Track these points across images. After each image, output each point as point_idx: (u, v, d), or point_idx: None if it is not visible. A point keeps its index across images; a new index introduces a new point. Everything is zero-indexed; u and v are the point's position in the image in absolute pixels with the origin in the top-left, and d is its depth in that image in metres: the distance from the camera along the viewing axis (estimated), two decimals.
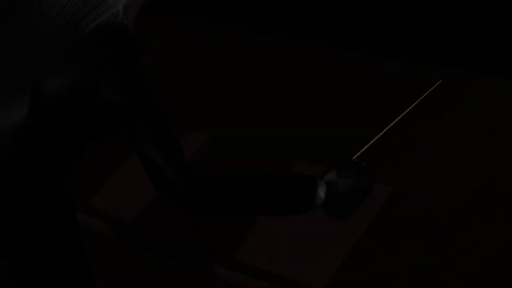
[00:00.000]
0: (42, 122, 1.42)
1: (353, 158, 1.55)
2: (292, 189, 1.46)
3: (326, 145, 2.38)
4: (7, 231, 1.50)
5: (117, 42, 1.39)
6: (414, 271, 2.92)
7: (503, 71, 3.51)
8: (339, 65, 3.23)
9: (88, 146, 1.54)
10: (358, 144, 1.71)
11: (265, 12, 4.22)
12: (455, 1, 3.80)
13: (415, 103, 1.52)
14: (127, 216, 2.07)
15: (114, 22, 1.41)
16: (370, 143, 1.57)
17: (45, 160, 1.47)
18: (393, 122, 1.55)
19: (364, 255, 2.96)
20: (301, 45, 3.42)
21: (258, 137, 2.86)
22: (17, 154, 1.45)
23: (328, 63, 3.17)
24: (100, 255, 3.03)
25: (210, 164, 2.13)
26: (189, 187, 1.38)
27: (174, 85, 3.26)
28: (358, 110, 2.79)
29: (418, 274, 2.91)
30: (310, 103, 3.09)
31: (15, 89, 1.43)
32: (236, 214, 1.45)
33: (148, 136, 1.38)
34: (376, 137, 1.55)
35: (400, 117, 1.55)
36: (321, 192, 1.48)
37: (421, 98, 1.52)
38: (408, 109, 1.52)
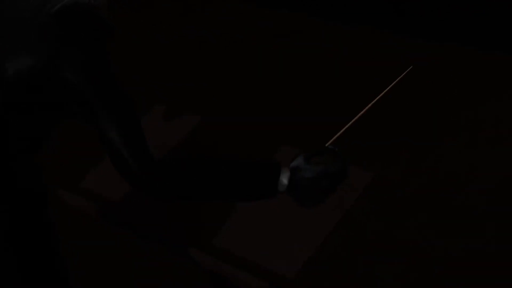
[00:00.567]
0: (5, 107, 1.43)
1: (327, 145, 1.54)
2: (254, 174, 1.45)
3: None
4: None
5: (80, 23, 1.38)
6: (390, 259, 2.91)
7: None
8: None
9: (56, 128, 1.54)
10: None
11: None
12: None
13: (385, 90, 1.49)
14: (115, 197, 2.07)
15: (80, 2, 1.40)
16: (342, 130, 1.55)
17: (11, 144, 1.48)
18: (364, 109, 1.52)
19: (339, 244, 2.95)
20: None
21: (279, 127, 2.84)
22: None
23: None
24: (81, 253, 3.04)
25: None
26: (149, 173, 1.39)
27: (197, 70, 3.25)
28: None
29: (393, 263, 2.89)
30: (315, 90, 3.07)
31: None
32: (197, 199, 1.45)
33: (109, 121, 1.38)
34: (348, 124, 1.53)
35: (370, 104, 1.52)
36: (284, 179, 1.47)
37: (392, 84, 1.49)
38: (379, 96, 1.49)
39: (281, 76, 3.88)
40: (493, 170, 3.29)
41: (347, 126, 1.51)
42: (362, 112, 1.52)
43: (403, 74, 1.48)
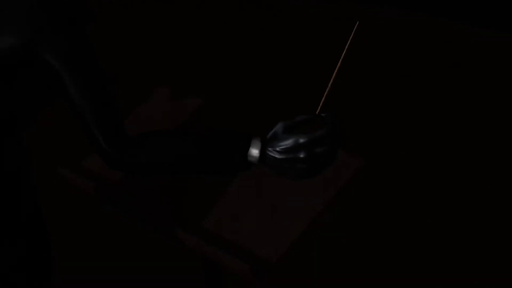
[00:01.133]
0: None
1: (316, 112, 1.44)
2: (222, 145, 1.41)
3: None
4: None
5: (62, 6, 1.40)
6: (374, 246, 2.91)
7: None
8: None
9: (39, 110, 1.57)
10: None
11: None
12: None
13: (345, 48, 1.42)
14: (113, 178, 2.10)
15: None
16: (324, 96, 1.45)
17: None
18: (335, 72, 1.43)
19: (323, 228, 2.94)
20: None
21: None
22: None
23: None
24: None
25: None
26: (115, 147, 1.41)
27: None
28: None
29: (377, 249, 2.89)
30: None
31: None
32: (168, 173, 1.44)
33: (86, 101, 1.40)
34: (327, 89, 1.43)
35: (338, 65, 1.44)
36: (255, 149, 1.41)
37: (348, 43, 1.42)
38: (342, 56, 1.42)
39: (285, 59, 3.87)
40: (491, 159, 3.25)
41: (326, 92, 1.42)
42: (333, 77, 1.43)
43: (353, 32, 1.41)
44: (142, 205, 1.93)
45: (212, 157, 1.41)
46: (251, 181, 1.85)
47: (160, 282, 2.78)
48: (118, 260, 2.87)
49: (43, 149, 3.42)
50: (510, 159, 3.26)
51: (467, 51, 3.80)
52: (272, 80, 3.75)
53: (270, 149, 1.40)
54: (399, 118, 3.55)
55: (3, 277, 1.61)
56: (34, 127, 1.61)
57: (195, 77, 3.87)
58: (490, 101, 3.57)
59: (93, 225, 3.03)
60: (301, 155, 1.38)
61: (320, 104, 1.42)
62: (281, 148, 1.38)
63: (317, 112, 1.43)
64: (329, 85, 1.42)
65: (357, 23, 1.41)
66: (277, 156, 1.39)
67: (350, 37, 1.42)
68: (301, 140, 1.37)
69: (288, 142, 1.38)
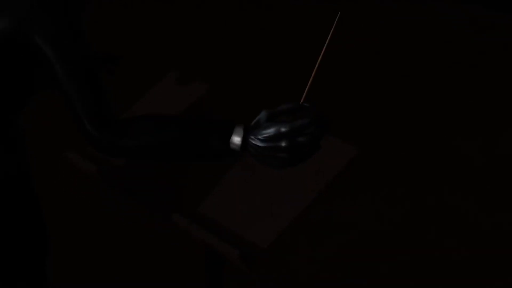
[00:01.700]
0: None
1: (301, 102, 1.44)
2: (205, 132, 1.41)
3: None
4: None
5: None
6: (367, 235, 2.91)
7: None
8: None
9: (31, 96, 1.59)
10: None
11: None
12: None
13: (327, 39, 1.41)
14: (117, 162, 2.14)
15: None
16: (308, 85, 1.45)
17: None
18: (317, 62, 1.43)
19: (315, 216, 2.94)
20: None
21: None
22: None
23: None
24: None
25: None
26: (100, 130, 1.42)
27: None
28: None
29: (369, 239, 2.89)
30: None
31: None
32: (152, 157, 1.45)
33: (74, 85, 1.42)
34: (311, 78, 1.42)
35: (321, 54, 1.43)
36: (237, 137, 1.41)
37: (330, 34, 1.41)
38: (325, 45, 1.41)
39: (285, 59, 3.87)
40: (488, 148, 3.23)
41: (310, 80, 1.41)
42: (316, 66, 1.43)
43: (335, 22, 1.40)
44: (141, 189, 1.96)
45: (194, 143, 1.41)
46: (247, 168, 1.87)
47: (159, 282, 2.80)
48: (117, 260, 2.89)
49: (49, 135, 3.46)
50: (509, 159, 3.25)
51: (467, 51, 3.77)
52: (272, 80, 3.76)
53: (252, 137, 1.40)
54: (396, 112, 3.54)
55: None
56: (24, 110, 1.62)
57: (194, 75, 3.89)
58: (489, 101, 3.55)
59: (93, 223, 3.05)
60: (283, 144, 1.37)
61: (304, 94, 1.42)
62: (263, 137, 1.38)
63: (301, 102, 1.42)
64: (312, 75, 1.42)
65: (339, 14, 1.41)
66: (259, 144, 1.39)
67: (332, 29, 1.42)
68: (283, 129, 1.37)
69: (270, 131, 1.38)
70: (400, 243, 2.85)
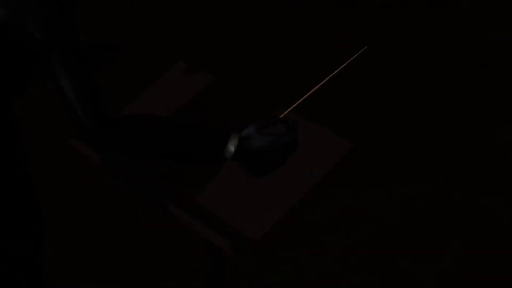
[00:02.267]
0: None
1: (281, 116, 1.52)
2: (201, 139, 1.45)
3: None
4: None
5: None
6: (360, 229, 2.92)
7: None
8: None
9: (30, 82, 1.60)
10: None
11: None
12: None
13: (342, 66, 1.48)
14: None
15: None
16: (296, 103, 1.53)
17: None
18: (320, 84, 1.51)
19: (310, 210, 2.95)
20: None
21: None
22: None
23: None
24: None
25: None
26: (95, 126, 1.43)
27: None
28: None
29: (362, 233, 2.90)
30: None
31: None
32: (143, 156, 1.47)
33: (65, 74, 1.43)
34: (302, 98, 1.50)
35: (326, 79, 1.51)
36: (231, 146, 1.46)
37: (349, 61, 1.48)
38: (335, 71, 1.48)
39: (285, 59, 3.88)
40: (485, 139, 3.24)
41: (301, 100, 1.49)
42: (316, 87, 1.50)
43: (358, 52, 1.46)
44: (141, 180, 1.98)
45: (190, 149, 1.46)
46: None
47: (159, 282, 2.80)
48: (117, 260, 2.89)
49: (49, 134, 3.47)
50: (507, 159, 3.25)
51: (467, 51, 3.78)
52: (272, 80, 3.77)
53: (245, 148, 1.46)
54: (396, 111, 3.55)
55: None
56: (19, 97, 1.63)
57: (200, 67, 3.89)
58: (490, 101, 3.56)
59: (93, 223, 3.05)
60: (273, 157, 1.46)
61: (290, 109, 1.48)
62: (256, 148, 1.45)
63: (282, 116, 1.49)
64: (305, 96, 1.47)
65: (365, 47, 1.47)
66: (252, 154, 1.46)
67: (351, 59, 1.47)
68: (274, 143, 1.45)
69: (265, 143, 1.45)
70: (410, 241, 2.86)
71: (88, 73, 1.44)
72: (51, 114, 3.54)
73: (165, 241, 2.91)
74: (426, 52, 3.84)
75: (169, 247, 2.90)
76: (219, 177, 1.87)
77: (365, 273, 2.76)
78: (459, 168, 3.21)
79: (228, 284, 2.74)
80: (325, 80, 1.50)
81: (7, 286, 1.68)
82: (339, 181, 3.11)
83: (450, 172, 3.19)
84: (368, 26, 3.98)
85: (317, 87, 1.49)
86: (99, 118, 1.43)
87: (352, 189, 3.11)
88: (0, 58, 1.48)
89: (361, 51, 1.50)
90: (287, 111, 1.52)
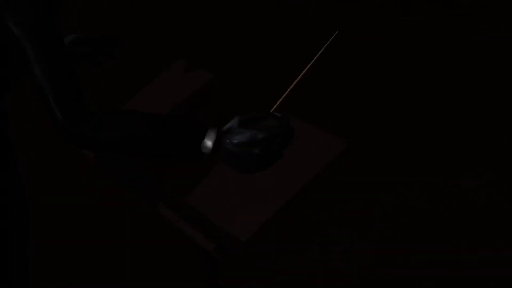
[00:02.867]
0: None
1: (271, 110, 1.49)
2: (178, 133, 1.41)
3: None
4: None
5: None
6: (353, 229, 2.89)
7: None
8: None
9: (13, 81, 1.59)
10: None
11: None
12: None
13: (317, 55, 1.44)
14: None
15: None
16: (283, 96, 1.49)
17: None
18: (301, 74, 1.47)
19: (298, 209, 2.92)
20: None
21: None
22: None
23: None
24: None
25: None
26: (71, 120, 1.40)
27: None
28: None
29: (356, 234, 2.87)
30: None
31: None
32: (123, 151, 1.44)
33: (40, 68, 1.40)
34: (289, 89, 1.47)
35: (306, 68, 1.47)
36: (209, 141, 1.42)
37: (322, 49, 1.44)
38: (312, 60, 1.44)
39: (285, 59, 3.86)
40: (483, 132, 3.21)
41: (286, 92, 1.45)
42: (298, 78, 1.46)
43: (330, 39, 1.43)
44: (134, 177, 1.95)
45: (166, 142, 1.42)
46: None
47: (158, 282, 2.80)
48: (116, 260, 2.89)
49: (48, 134, 3.46)
50: (507, 159, 3.23)
51: (467, 51, 3.76)
52: (271, 78, 3.75)
53: (227, 141, 1.42)
54: (396, 111, 3.53)
55: None
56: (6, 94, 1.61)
57: (199, 65, 3.88)
58: (489, 101, 3.54)
59: (92, 223, 3.05)
60: (256, 151, 1.41)
61: (277, 103, 1.45)
62: (238, 142, 1.41)
63: (271, 111, 1.46)
64: (290, 88, 1.45)
65: (336, 32, 1.43)
66: (232, 149, 1.41)
67: (325, 46, 1.44)
68: (260, 136, 1.40)
69: (245, 136, 1.41)
70: (410, 241, 2.84)
71: (68, 71, 1.41)
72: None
73: (164, 241, 2.91)
74: (426, 52, 3.82)
75: (168, 247, 2.89)
76: (208, 176, 1.84)
77: (365, 273, 2.73)
78: (459, 168, 3.18)
79: (228, 284, 2.72)
80: (306, 68, 1.45)
81: None
82: (339, 182, 3.09)
83: (450, 172, 3.16)
84: (368, 26, 3.96)
85: (298, 77, 1.45)
86: (73, 112, 1.40)
87: (352, 189, 3.09)
88: None
89: (333, 36, 1.45)
90: (275, 105, 1.48)
